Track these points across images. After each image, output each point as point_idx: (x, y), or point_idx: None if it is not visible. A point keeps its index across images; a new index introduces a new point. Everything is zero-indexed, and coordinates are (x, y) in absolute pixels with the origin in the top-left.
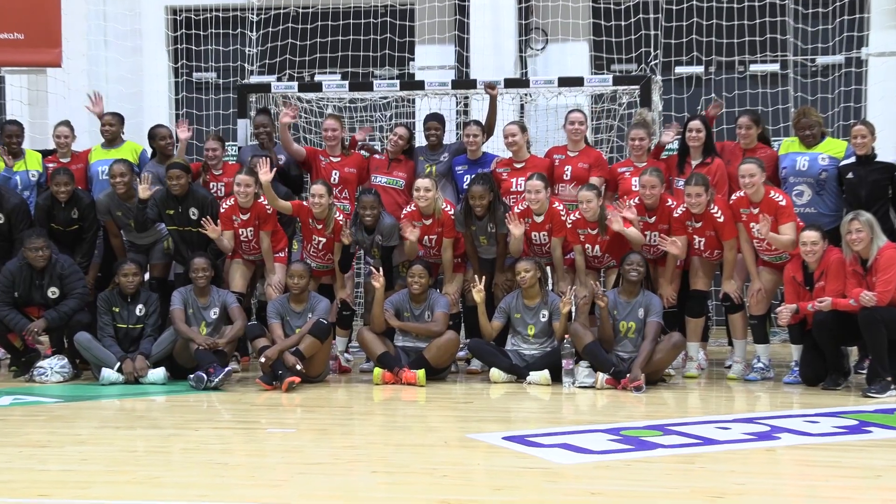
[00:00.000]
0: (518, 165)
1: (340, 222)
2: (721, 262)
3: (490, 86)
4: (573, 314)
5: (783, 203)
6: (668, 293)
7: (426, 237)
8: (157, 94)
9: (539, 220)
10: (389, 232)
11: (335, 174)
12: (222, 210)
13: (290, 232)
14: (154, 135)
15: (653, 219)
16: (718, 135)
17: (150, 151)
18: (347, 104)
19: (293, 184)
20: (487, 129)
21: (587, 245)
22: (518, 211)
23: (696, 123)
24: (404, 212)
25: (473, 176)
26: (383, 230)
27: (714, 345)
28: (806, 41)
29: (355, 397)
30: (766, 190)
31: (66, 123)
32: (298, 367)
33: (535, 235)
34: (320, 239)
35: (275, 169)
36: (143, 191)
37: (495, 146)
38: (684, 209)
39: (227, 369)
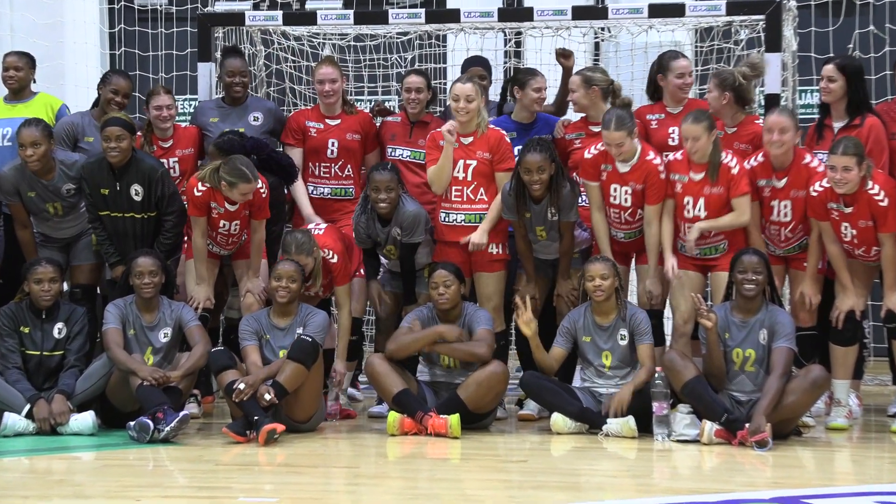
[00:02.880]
0: (595, 129)
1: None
2: (881, 265)
3: (564, 54)
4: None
5: None
6: (809, 295)
7: (462, 163)
8: (84, 28)
9: (625, 168)
10: (412, 223)
11: (332, 144)
12: (197, 194)
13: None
14: (108, 80)
15: (782, 180)
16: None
17: (70, 109)
18: (352, 43)
19: (284, 171)
20: (557, 109)
21: (686, 199)
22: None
23: (828, 69)
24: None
25: (526, 142)
26: (403, 220)
27: (871, 383)
28: None
29: (362, 454)
30: None
31: None
32: (267, 396)
33: (613, 191)
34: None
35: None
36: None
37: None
38: (823, 187)
39: (182, 414)
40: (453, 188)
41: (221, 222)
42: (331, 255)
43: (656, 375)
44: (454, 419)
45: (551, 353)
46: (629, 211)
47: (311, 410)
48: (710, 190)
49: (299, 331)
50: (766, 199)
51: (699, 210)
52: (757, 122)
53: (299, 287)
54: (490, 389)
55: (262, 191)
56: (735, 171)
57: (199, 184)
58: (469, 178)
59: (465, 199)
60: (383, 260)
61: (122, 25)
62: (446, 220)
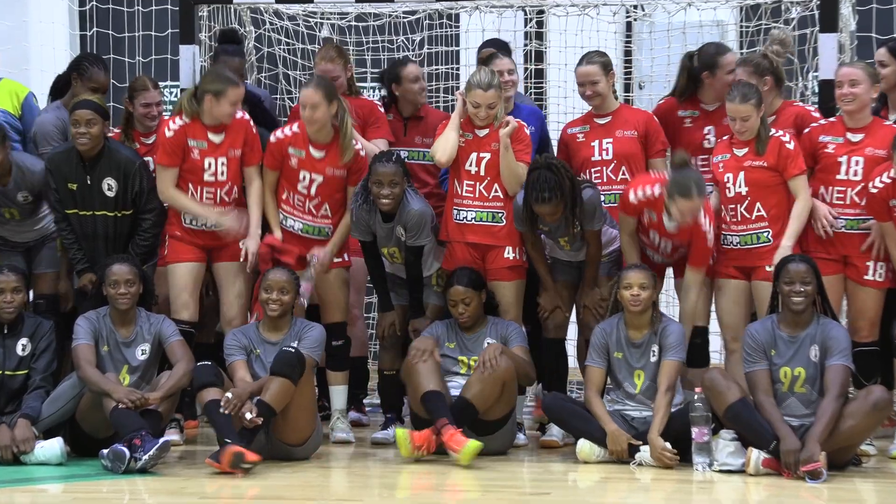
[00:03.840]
0: (601, 121)
1: (361, 154)
2: None
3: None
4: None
5: None
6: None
7: (474, 155)
8: (51, 5)
9: (671, 227)
10: (417, 223)
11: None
12: (169, 134)
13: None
14: (84, 71)
15: (858, 135)
16: None
17: (42, 98)
18: (353, 23)
19: (269, 121)
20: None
21: (727, 176)
22: None
23: (880, 53)
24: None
25: (532, 182)
26: (409, 220)
27: None
28: None
29: (365, 485)
30: None
31: None
32: (249, 415)
33: (652, 236)
34: (315, 177)
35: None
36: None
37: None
38: (884, 182)
39: (161, 441)
40: (465, 182)
41: (206, 162)
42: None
43: (696, 397)
44: (472, 445)
45: (588, 374)
46: (667, 253)
47: (305, 432)
48: (752, 163)
49: (294, 345)
50: (831, 155)
51: (739, 186)
52: (796, 104)
53: (292, 299)
54: (495, 384)
55: (252, 126)
56: (790, 146)
57: (172, 121)
58: (482, 173)
59: (477, 195)
60: (386, 264)
61: (94, 3)
62: (457, 217)
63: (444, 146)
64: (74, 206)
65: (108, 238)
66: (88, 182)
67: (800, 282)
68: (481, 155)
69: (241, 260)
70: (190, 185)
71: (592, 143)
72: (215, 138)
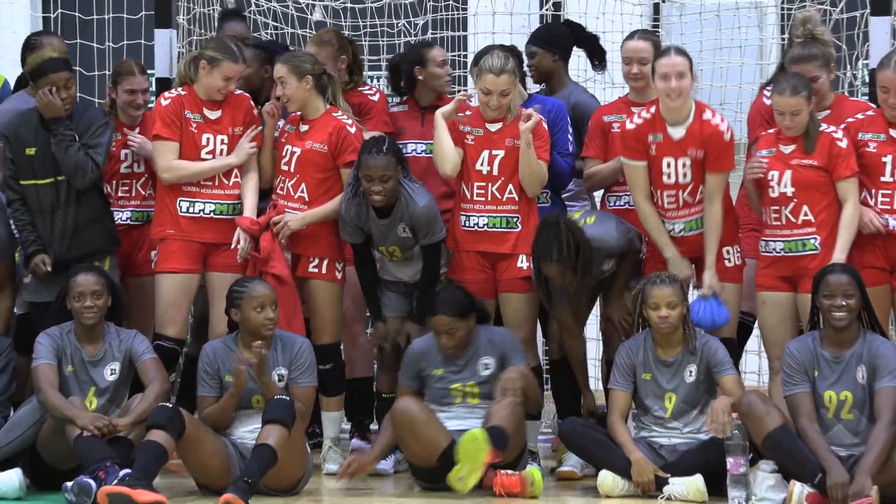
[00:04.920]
0: (636, 109)
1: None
2: None
3: None
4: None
5: None
6: None
7: (485, 153)
8: None
9: (679, 133)
10: (428, 220)
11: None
12: (164, 103)
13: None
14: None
15: None
16: None
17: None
18: (349, 5)
19: None
20: None
21: (771, 174)
22: None
23: None
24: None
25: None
26: (416, 220)
27: None
28: None
29: None
30: None
31: None
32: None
33: (667, 167)
34: (294, 150)
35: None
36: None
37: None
38: None
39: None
40: (475, 185)
41: (204, 138)
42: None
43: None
44: (535, 473)
45: (612, 399)
46: (688, 189)
47: (298, 474)
48: (800, 161)
49: (281, 372)
50: (874, 155)
51: (785, 186)
52: (851, 99)
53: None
54: (517, 418)
55: (253, 106)
56: (842, 144)
57: (168, 92)
58: (496, 173)
59: (489, 197)
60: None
61: None
62: (466, 224)
63: (444, 153)
64: (32, 176)
65: (66, 208)
66: (51, 144)
67: (841, 295)
68: (494, 153)
69: (233, 247)
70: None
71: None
72: (211, 114)
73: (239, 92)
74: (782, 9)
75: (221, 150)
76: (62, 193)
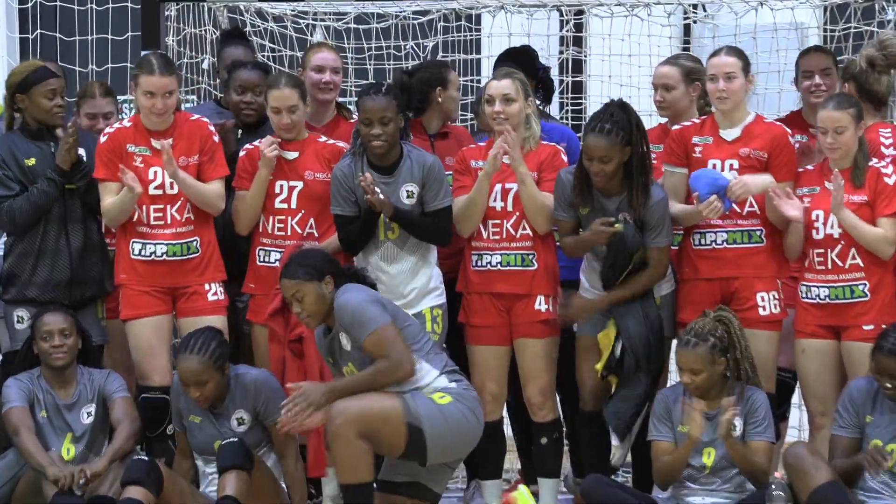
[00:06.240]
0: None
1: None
2: None
3: None
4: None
5: None
6: None
7: (498, 188)
8: None
9: (733, 133)
10: (438, 175)
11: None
12: (102, 139)
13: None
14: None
15: None
16: None
17: None
18: (353, 25)
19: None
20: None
21: (815, 213)
22: None
23: None
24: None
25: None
26: (426, 170)
27: None
28: None
29: None
30: None
31: None
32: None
33: None
34: (293, 184)
35: None
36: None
37: None
38: None
39: None
40: (490, 222)
41: (151, 171)
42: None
43: (772, 480)
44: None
45: (656, 449)
46: (739, 192)
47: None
48: (848, 198)
49: (240, 416)
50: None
51: (832, 227)
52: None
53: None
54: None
55: (212, 132)
56: (891, 181)
57: (110, 126)
58: (510, 208)
59: (503, 235)
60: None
61: None
62: (478, 263)
63: (475, 215)
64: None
65: (59, 220)
66: (53, 150)
67: None
68: (507, 186)
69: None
70: (139, 208)
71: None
72: (158, 144)
73: (196, 117)
74: (825, 30)
75: (171, 183)
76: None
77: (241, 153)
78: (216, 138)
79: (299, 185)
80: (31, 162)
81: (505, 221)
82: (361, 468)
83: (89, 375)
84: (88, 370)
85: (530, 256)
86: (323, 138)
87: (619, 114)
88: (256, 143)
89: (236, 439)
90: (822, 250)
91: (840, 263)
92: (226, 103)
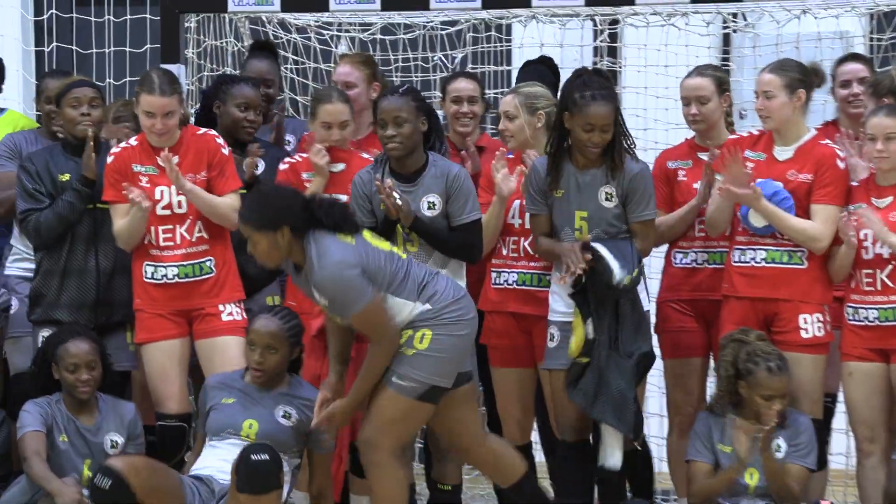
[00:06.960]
0: (706, 156)
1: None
2: None
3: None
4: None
5: None
6: None
7: (516, 204)
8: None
9: (786, 153)
10: (466, 187)
11: None
12: (109, 159)
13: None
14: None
15: None
16: None
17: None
18: (378, 36)
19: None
20: None
21: (864, 233)
22: None
23: None
24: None
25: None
26: (450, 180)
27: None
28: None
29: None
30: None
31: None
32: None
33: None
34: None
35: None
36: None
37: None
38: None
39: None
40: (508, 239)
41: (158, 191)
42: None
43: None
44: None
45: (693, 470)
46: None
47: None
48: None
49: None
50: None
51: (881, 246)
52: None
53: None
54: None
55: (221, 144)
56: None
57: (117, 146)
58: (528, 226)
59: (521, 252)
60: None
61: (54, 11)
62: (497, 281)
63: (491, 238)
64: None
65: (87, 240)
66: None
67: None
68: (524, 203)
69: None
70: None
71: (695, 185)
72: (160, 159)
73: (203, 131)
74: (871, 39)
75: (178, 202)
76: (94, 219)
77: (283, 166)
78: (225, 151)
79: (343, 198)
80: (65, 177)
81: (522, 239)
82: (397, 499)
83: (112, 403)
84: (107, 397)
85: (547, 277)
86: (366, 155)
87: (601, 80)
88: (294, 158)
89: (267, 453)
90: (870, 271)
91: (890, 284)
92: (219, 115)
